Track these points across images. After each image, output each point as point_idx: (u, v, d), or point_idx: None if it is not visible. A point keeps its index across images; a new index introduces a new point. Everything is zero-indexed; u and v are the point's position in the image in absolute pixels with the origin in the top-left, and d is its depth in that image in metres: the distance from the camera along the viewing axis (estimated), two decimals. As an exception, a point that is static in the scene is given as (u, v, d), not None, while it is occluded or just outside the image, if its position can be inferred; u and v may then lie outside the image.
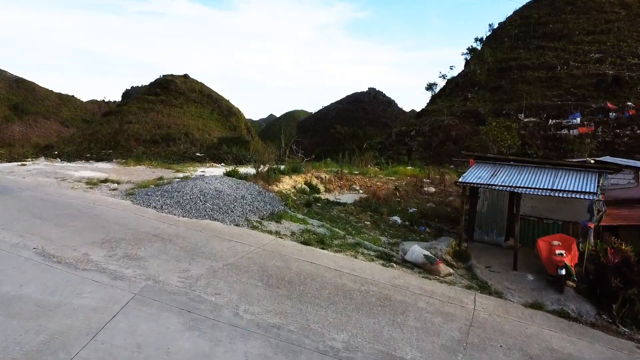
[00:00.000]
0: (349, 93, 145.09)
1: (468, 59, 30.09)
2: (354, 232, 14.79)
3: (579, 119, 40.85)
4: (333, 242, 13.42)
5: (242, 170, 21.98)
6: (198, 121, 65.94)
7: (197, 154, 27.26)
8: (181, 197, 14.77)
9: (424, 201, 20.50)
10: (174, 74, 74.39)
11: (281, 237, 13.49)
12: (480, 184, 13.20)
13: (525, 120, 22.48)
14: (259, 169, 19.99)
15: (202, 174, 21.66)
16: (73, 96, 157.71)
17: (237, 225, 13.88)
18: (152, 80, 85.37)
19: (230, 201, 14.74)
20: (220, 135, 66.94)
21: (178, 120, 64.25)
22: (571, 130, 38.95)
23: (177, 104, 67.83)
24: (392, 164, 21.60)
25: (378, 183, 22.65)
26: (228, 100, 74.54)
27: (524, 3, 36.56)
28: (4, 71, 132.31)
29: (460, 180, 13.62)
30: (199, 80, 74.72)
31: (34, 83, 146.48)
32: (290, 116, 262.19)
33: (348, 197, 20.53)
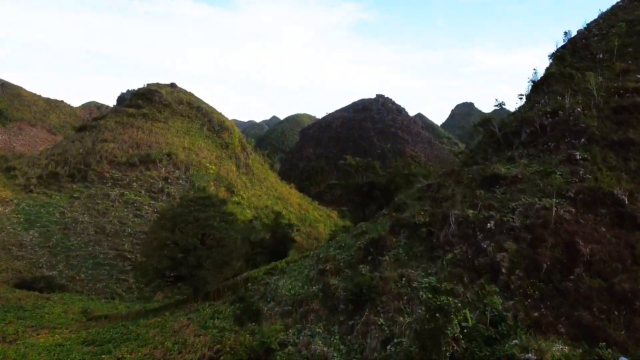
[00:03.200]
0: (355, 97, 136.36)
1: (535, 80, 20.15)
2: None
3: None
4: None
5: None
6: (184, 139, 56.94)
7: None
8: None
9: None
10: (160, 82, 65.01)
11: None
12: None
13: None
14: None
15: None
16: (62, 101, 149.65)
17: None
18: (144, 85, 76.17)
19: None
20: (209, 154, 57.95)
21: (161, 137, 55.43)
22: None
23: (161, 118, 58.90)
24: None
25: None
26: (220, 113, 65.62)
27: (615, 2, 25.63)
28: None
29: None
30: (188, 90, 65.47)
31: (21, 88, 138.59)
32: (293, 120, 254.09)
33: None
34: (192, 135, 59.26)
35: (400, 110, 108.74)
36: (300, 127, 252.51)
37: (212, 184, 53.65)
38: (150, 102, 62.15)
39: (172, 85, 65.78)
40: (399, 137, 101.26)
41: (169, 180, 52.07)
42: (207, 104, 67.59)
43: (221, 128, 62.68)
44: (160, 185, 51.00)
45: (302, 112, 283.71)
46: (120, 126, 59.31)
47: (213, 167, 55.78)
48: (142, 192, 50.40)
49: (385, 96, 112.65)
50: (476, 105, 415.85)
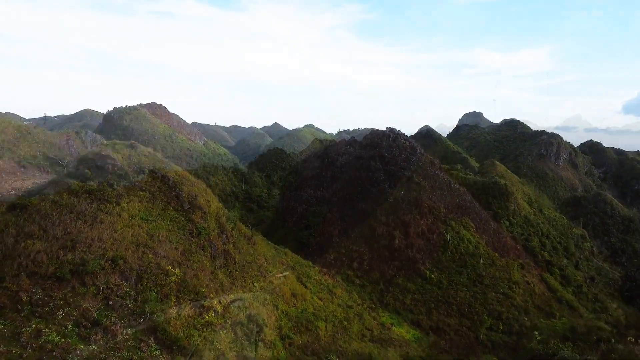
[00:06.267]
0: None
1: None
2: None
3: None
4: None
5: None
6: (140, 229, 42.55)
7: None
8: None
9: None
10: (118, 140, 51.03)
11: None
12: None
13: None
14: None
15: None
16: (36, 127, 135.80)
17: None
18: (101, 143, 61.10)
19: None
20: (172, 249, 43.54)
21: (106, 231, 41.21)
22: None
23: (112, 197, 44.52)
24: None
25: None
26: (192, 183, 51.26)
27: None
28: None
29: None
30: (151, 151, 51.28)
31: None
32: (294, 135, 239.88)
33: None
34: (151, 222, 45.02)
35: (414, 148, 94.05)
36: (301, 142, 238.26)
37: (173, 300, 39.39)
38: (101, 172, 48.19)
39: (132, 145, 51.38)
40: (414, 182, 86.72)
41: (110, 303, 37.59)
42: (177, 169, 53.15)
43: (192, 206, 48.42)
44: (95, 316, 36.41)
45: (306, 125, 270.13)
46: (56, 210, 44.92)
47: (177, 271, 41.47)
48: (69, 326, 35.72)
49: (397, 130, 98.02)
50: (485, 115, 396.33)
